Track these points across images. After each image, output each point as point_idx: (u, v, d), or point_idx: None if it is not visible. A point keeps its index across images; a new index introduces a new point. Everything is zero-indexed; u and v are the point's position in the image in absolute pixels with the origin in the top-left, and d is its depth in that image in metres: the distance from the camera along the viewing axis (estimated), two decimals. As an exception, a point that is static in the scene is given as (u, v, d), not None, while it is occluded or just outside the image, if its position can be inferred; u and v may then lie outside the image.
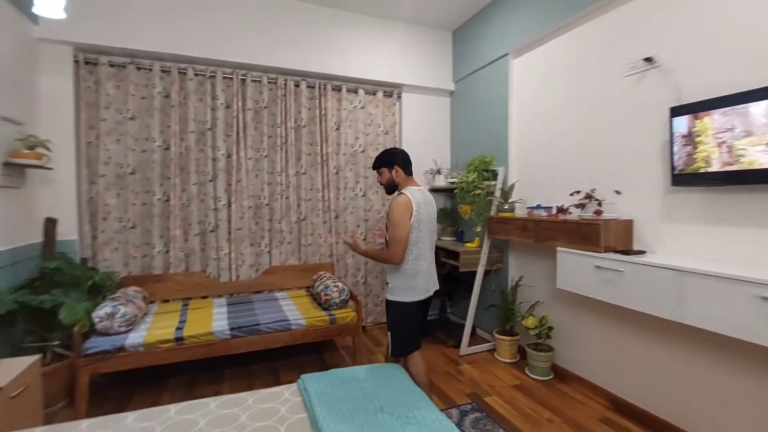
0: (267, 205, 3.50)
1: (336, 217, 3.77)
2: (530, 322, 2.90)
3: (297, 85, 3.55)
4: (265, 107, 3.43)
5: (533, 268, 3.11)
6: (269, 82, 3.45)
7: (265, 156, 3.45)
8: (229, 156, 3.36)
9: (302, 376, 1.91)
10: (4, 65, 2.41)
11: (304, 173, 3.62)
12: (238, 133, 3.33)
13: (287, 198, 3.56)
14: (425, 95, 4.06)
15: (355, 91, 3.78)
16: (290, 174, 3.54)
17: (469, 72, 3.79)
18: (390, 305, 2.11)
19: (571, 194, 2.57)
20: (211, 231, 3.34)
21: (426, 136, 4.08)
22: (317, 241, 3.69)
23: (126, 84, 3.04)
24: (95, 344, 2.33)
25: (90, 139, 2.99)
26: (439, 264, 3.40)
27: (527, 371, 2.92)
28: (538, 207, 2.86)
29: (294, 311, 2.94)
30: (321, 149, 3.66)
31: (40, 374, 2.05)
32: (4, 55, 2.41)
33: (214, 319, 2.78)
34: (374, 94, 3.86)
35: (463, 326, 3.38)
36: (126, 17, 2.92)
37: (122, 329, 2.48)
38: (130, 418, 1.59)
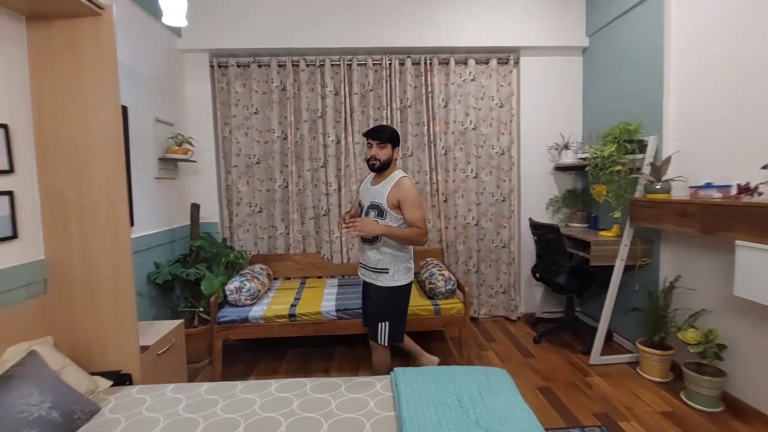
0: (374, 189, 3.50)
1: (445, 201, 3.55)
2: (691, 335, 2.24)
3: (402, 63, 3.40)
4: (370, 90, 3.39)
5: (696, 267, 2.39)
6: (374, 64, 3.38)
7: (372, 140, 3.44)
8: (338, 142, 3.45)
9: (396, 369, 1.81)
10: (159, 76, 2.87)
11: (410, 155, 3.49)
12: (345, 118, 3.38)
13: (394, 182, 3.50)
14: (549, 57, 3.47)
15: (465, 62, 3.44)
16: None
17: (609, 20, 3.07)
18: (394, 291, 2.05)
19: (765, 167, 1.84)
20: (324, 215, 3.50)
21: (550, 106, 3.50)
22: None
23: (250, 81, 3.35)
24: (226, 314, 2.66)
25: (225, 134, 3.40)
26: (565, 254, 2.92)
27: (684, 397, 2.29)
28: (708, 186, 2.15)
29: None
30: (428, 129, 3.46)
31: (184, 336, 2.44)
32: (158, 67, 2.87)
33: (324, 300, 2.90)
34: (486, 62, 3.46)
35: (594, 330, 2.85)
36: (248, 20, 3.19)
37: (247, 302, 2.77)
38: (238, 387, 1.72)
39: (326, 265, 3.53)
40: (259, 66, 3.35)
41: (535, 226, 3.18)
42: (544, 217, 3.56)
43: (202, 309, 2.91)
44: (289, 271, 3.51)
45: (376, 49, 3.30)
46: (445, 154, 3.51)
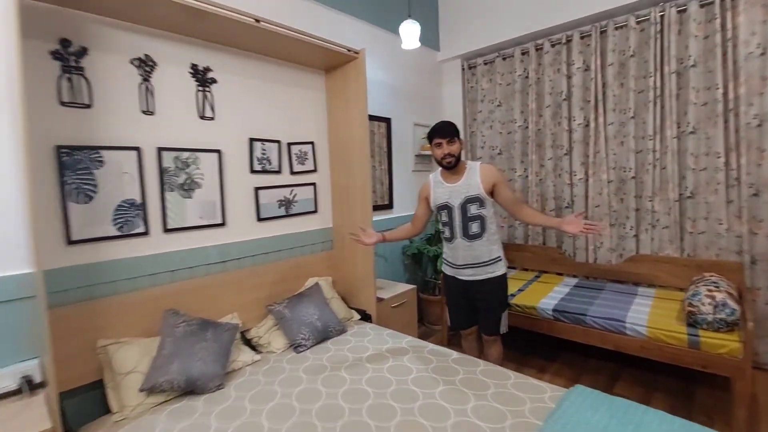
0: (633, 178, 2.85)
1: (755, 195, 2.42)
2: None
3: (682, 10, 2.54)
4: (631, 56, 2.74)
5: None
6: (638, 23, 2.71)
7: (632, 117, 2.79)
8: (586, 125, 3.03)
9: (576, 386, 1.60)
10: (419, 88, 3.54)
11: (692, 132, 2.58)
12: (596, 96, 2.92)
13: (663, 168, 2.71)
14: None
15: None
16: (668, 136, 2.65)
17: None
18: (505, 278, 2.04)
19: None
20: (566, 207, 3.19)
21: None
22: (714, 229, 2.57)
23: (494, 76, 3.49)
24: (451, 290, 3.04)
25: (473, 129, 3.72)
26: None
27: None
28: None
29: (642, 314, 2.31)
30: (724, 93, 2.44)
31: (425, 301, 2.99)
32: (419, 80, 3.53)
33: (548, 296, 2.74)
34: None
35: None
36: (492, 18, 3.33)
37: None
38: (452, 356, 2.04)
39: (567, 261, 3.23)
40: (504, 59, 3.42)
41: None
42: None
43: (440, 281, 3.42)
44: (526, 261, 3.46)
45: (642, 2, 2.63)
46: (759, 125, 2.37)
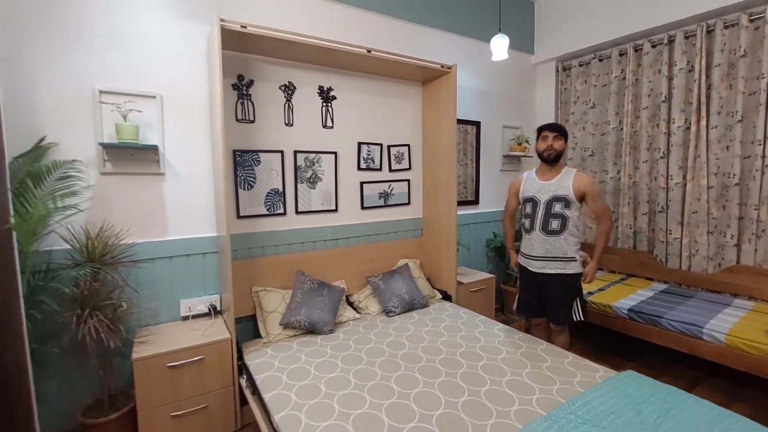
0: (737, 185, 2.70)
1: None
2: None
3: (807, 6, 2.34)
4: (742, 56, 2.59)
5: None
6: (750, 21, 2.55)
7: (739, 121, 2.65)
8: (687, 128, 2.93)
9: (628, 370, 1.79)
10: (509, 91, 3.74)
11: (810, 138, 2.38)
12: (699, 98, 2.81)
13: (774, 175, 2.55)
14: None
15: None
16: (782, 141, 2.48)
17: None
18: (574, 278, 2.19)
19: None
20: (660, 211, 3.13)
21: None
22: (834, 243, 2.35)
23: (589, 77, 3.51)
24: (529, 282, 3.24)
25: (564, 129, 3.79)
26: None
27: None
28: None
29: (726, 323, 2.29)
30: None
31: (503, 290, 3.27)
32: (510, 84, 3.73)
33: (628, 297, 2.81)
34: None
35: None
36: (589, 20, 3.36)
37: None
38: (518, 335, 2.38)
39: (657, 267, 3.18)
40: (600, 60, 3.43)
41: None
42: None
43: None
44: (613, 264, 3.47)
45: (754, 0, 2.48)
46: None
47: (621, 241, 3.42)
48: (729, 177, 2.75)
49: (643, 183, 3.22)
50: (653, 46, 3.08)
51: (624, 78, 3.29)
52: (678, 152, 2.98)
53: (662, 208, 3.12)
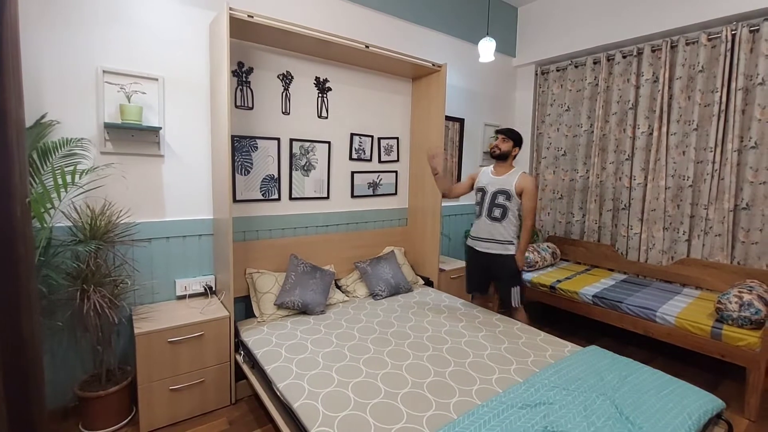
0: (691, 186, 3.03)
1: (810, 211, 2.53)
2: None
3: (754, 30, 2.65)
4: (700, 71, 2.90)
5: None
6: (709, 39, 2.85)
7: (694, 129, 2.96)
8: (650, 133, 3.23)
9: (593, 346, 2.02)
10: (492, 91, 3.94)
11: (753, 147, 2.71)
12: (661, 107, 3.11)
13: (721, 179, 2.87)
14: None
15: None
16: (729, 149, 2.80)
17: None
18: (512, 259, 2.49)
19: None
20: (623, 208, 3.44)
21: None
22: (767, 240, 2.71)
23: (565, 82, 3.77)
24: (504, 271, 3.49)
25: (541, 130, 4.04)
26: None
27: None
28: None
29: (676, 308, 2.59)
30: (791, 111, 2.55)
31: None
32: (492, 84, 3.93)
33: (592, 285, 3.08)
34: None
35: None
36: (567, 29, 3.60)
37: (525, 268, 3.43)
38: (495, 317, 2.58)
39: (618, 258, 3.49)
40: (576, 67, 3.69)
41: None
42: None
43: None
44: (579, 256, 3.77)
45: (712, 21, 2.77)
46: (824, 144, 2.46)
47: (587, 235, 3.72)
48: (684, 179, 3.07)
49: (609, 182, 3.52)
50: (624, 57, 3.36)
51: (597, 85, 3.56)
52: (641, 155, 3.28)
53: (625, 205, 3.43)
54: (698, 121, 2.96)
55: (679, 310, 2.53)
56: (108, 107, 1.98)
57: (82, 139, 1.84)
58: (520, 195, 2.46)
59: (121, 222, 2.01)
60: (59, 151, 1.71)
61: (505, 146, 2.51)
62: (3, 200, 1.19)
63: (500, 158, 2.54)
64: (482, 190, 2.58)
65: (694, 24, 2.86)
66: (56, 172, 1.53)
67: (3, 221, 1.21)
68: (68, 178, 1.56)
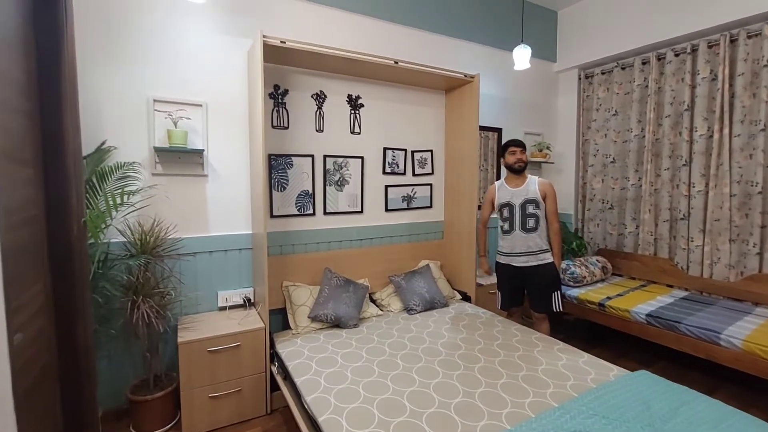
0: (760, 193, 2.70)
1: None
2: None
3: (833, 17, 2.34)
4: (765, 66, 2.61)
5: None
6: (776, 31, 2.56)
7: (762, 130, 2.66)
8: (710, 136, 2.94)
9: (642, 371, 1.86)
10: (531, 99, 3.81)
11: (837, 147, 2.38)
12: (722, 107, 2.83)
13: (799, 184, 2.54)
14: None
15: None
16: (807, 150, 2.48)
17: None
18: (552, 266, 2.50)
19: None
20: (682, 219, 3.15)
21: None
22: None
23: (612, 86, 3.55)
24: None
25: (587, 136, 3.83)
26: None
27: None
28: None
29: (744, 330, 2.30)
30: None
31: None
32: (532, 92, 3.81)
33: (647, 303, 2.83)
34: None
35: None
36: (612, 29, 3.42)
37: (569, 283, 3.25)
38: (536, 336, 2.47)
39: (678, 273, 3.18)
40: (622, 68, 3.47)
41: None
42: None
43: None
44: (634, 270, 3.48)
45: (780, 10, 2.50)
46: None
47: (642, 247, 3.43)
48: (752, 185, 2.76)
49: (664, 190, 3.24)
50: (676, 55, 3.11)
51: (646, 86, 3.32)
52: (700, 160, 3.00)
53: (684, 215, 3.13)
54: (766, 121, 2.65)
55: (748, 332, 2.25)
56: (158, 132, 2.17)
57: (134, 162, 2.03)
58: (544, 200, 2.51)
59: (169, 237, 2.17)
60: (114, 174, 1.90)
61: (526, 157, 2.58)
62: (61, 220, 1.34)
63: (523, 170, 2.57)
64: (508, 205, 2.57)
65: (756, 15, 2.59)
66: (107, 195, 1.70)
67: (61, 239, 1.36)
68: (118, 199, 1.72)
